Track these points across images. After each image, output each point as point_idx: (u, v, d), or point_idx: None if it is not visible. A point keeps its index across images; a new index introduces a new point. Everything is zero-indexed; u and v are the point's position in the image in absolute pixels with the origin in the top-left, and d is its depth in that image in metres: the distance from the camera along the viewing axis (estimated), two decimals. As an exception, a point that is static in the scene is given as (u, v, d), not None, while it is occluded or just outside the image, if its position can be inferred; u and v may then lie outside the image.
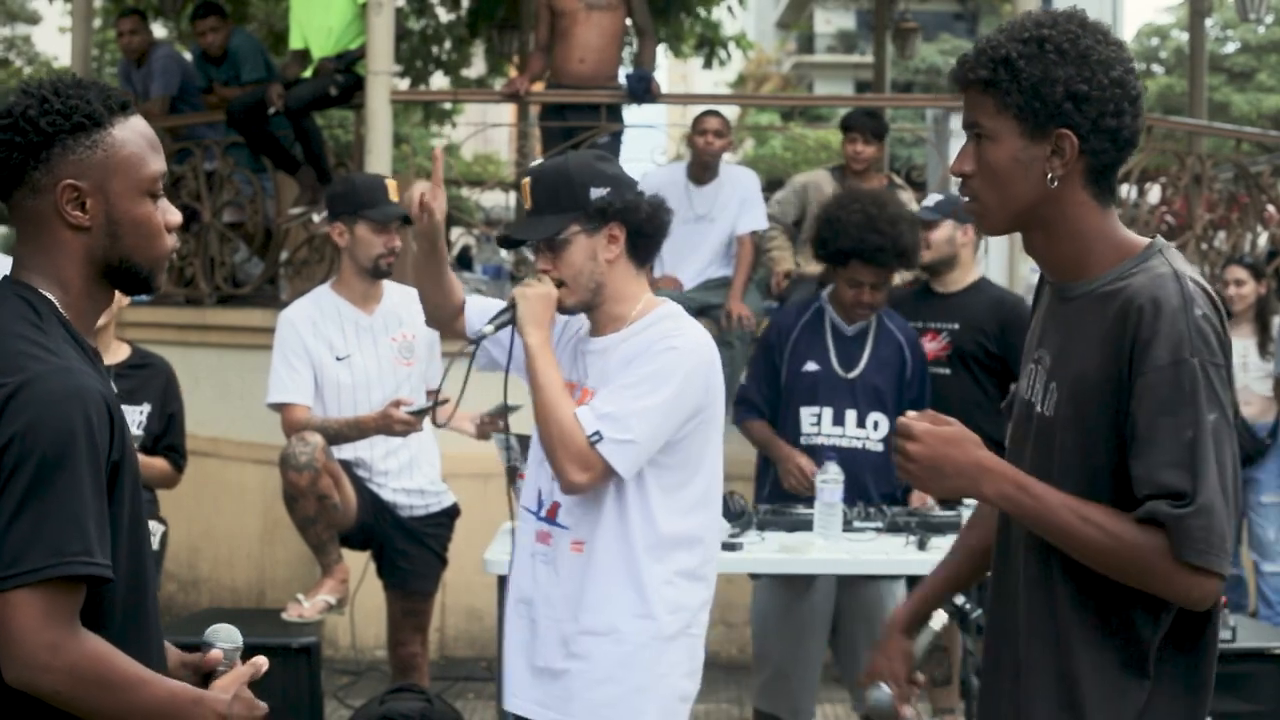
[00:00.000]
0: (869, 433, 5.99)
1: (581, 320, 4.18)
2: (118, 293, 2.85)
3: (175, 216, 2.81)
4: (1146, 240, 2.89)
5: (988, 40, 2.86)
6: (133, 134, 2.73)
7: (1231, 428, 2.72)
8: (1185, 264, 2.83)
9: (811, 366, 6.05)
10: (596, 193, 4.01)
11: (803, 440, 6.03)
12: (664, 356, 3.95)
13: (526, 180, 4.07)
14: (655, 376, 3.93)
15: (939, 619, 3.43)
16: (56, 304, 2.71)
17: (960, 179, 2.93)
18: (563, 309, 4.09)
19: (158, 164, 2.76)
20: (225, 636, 2.96)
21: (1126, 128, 2.81)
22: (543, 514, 4.13)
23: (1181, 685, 2.84)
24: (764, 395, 6.18)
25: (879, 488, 6.01)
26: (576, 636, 4.03)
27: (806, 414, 6.04)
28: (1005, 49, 2.81)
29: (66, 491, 2.53)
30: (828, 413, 6.02)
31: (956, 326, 6.56)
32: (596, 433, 3.90)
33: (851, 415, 6.00)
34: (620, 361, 4.01)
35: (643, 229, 4.10)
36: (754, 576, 6.31)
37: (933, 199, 6.86)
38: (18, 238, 2.76)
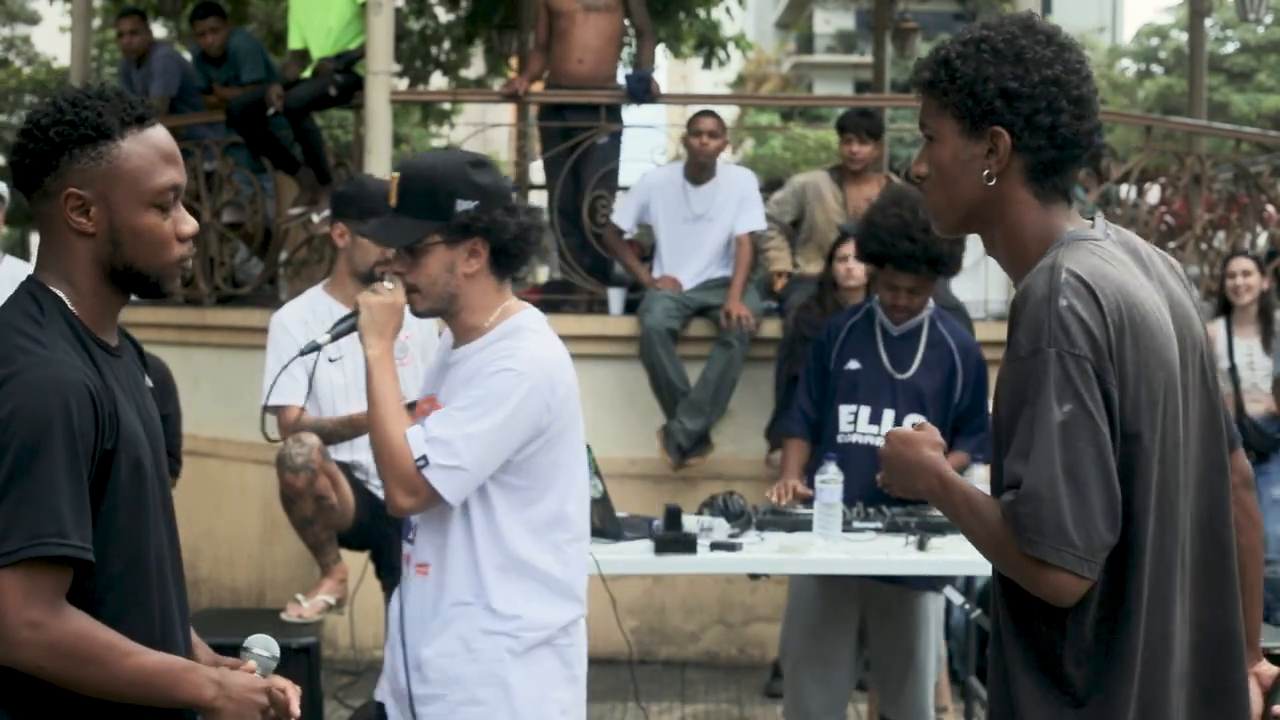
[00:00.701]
0: None
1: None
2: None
3: (188, 226, 2.88)
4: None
5: (939, 44, 2.94)
6: (143, 146, 2.81)
7: (1094, 420, 2.68)
8: (1081, 259, 2.80)
9: (854, 365, 6.00)
10: (463, 205, 3.83)
11: (839, 438, 5.96)
12: (497, 378, 3.81)
13: (396, 175, 3.91)
14: (488, 399, 3.79)
15: None
16: (66, 301, 2.82)
17: (920, 182, 3.00)
18: (414, 312, 3.97)
19: (167, 176, 2.83)
20: (263, 645, 3.02)
21: (1065, 126, 2.83)
22: (409, 535, 4.04)
23: (1102, 700, 2.79)
24: (814, 399, 6.12)
25: None
26: (433, 660, 3.90)
27: (845, 411, 5.98)
28: (947, 50, 2.89)
29: (43, 477, 2.65)
30: (865, 411, 5.95)
31: None
32: (424, 457, 3.77)
33: (890, 415, 5.93)
34: (465, 377, 3.89)
35: (508, 247, 3.91)
36: (753, 576, 6.29)
37: None
38: (39, 238, 2.88)
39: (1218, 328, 9.05)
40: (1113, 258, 2.85)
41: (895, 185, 7.20)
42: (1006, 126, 2.84)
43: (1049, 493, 2.66)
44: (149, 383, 3.05)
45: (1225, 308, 9.11)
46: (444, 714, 3.90)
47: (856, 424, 5.96)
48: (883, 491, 5.84)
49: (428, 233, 3.84)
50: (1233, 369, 8.94)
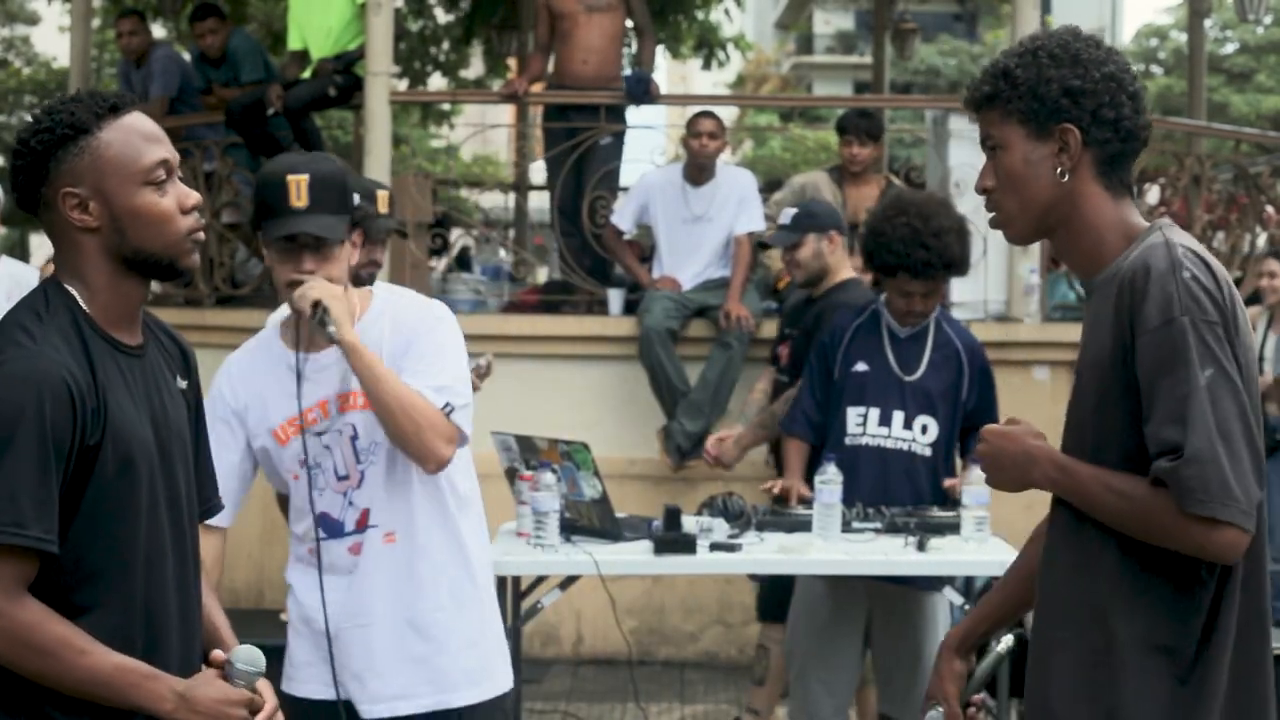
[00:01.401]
0: (915, 435, 5.93)
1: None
2: None
3: (190, 198, 2.90)
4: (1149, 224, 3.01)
5: (990, 62, 3.07)
6: (121, 132, 2.85)
7: (1234, 381, 2.77)
8: (1184, 237, 2.95)
9: (862, 367, 5.99)
10: (356, 200, 4.10)
11: (848, 440, 5.95)
12: (440, 324, 4.10)
13: (303, 177, 3.98)
14: (446, 343, 4.08)
15: (1004, 642, 3.51)
16: (79, 299, 2.86)
17: (985, 195, 3.09)
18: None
19: (153, 154, 2.86)
20: (245, 659, 2.92)
21: (1127, 119, 2.96)
22: (350, 529, 4.14)
23: (1201, 676, 2.84)
24: (817, 400, 6.12)
25: (923, 491, 5.94)
26: (429, 615, 4.10)
27: (853, 414, 5.98)
28: (1003, 63, 3.02)
29: (6, 467, 2.67)
30: (874, 413, 5.94)
31: (794, 333, 6.58)
32: (447, 404, 3.96)
33: (899, 416, 5.93)
34: (392, 350, 4.03)
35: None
36: (752, 578, 6.28)
37: (786, 215, 6.76)
38: (54, 250, 2.93)
39: (1260, 316, 9.13)
40: (1203, 249, 2.96)
41: (894, 192, 7.20)
42: (1074, 122, 2.96)
43: (1210, 453, 2.73)
44: (182, 384, 3.06)
45: (1258, 300, 9.21)
46: (449, 664, 4.10)
47: (866, 426, 5.95)
48: (887, 493, 5.86)
49: (346, 226, 4.03)
50: (1260, 360, 8.98)
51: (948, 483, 5.91)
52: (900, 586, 5.87)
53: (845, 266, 6.75)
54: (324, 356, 4.05)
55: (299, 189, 3.95)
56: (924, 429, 5.92)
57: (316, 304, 3.94)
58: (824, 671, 5.96)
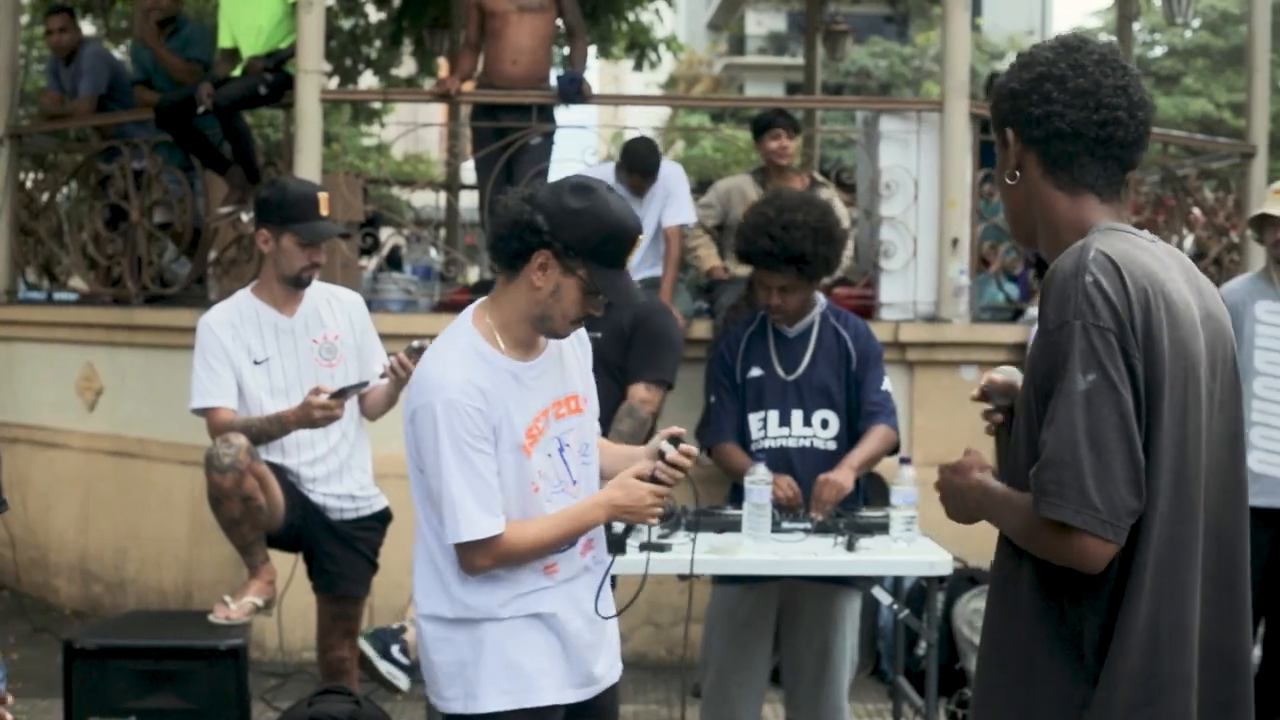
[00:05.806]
0: (816, 431, 5.96)
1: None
2: None
3: None
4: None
5: None
6: None
7: (1117, 390, 2.75)
8: (1116, 242, 2.90)
9: (756, 372, 6.03)
10: None
11: (753, 445, 5.99)
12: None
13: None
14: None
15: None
16: None
17: None
18: None
19: None
20: None
21: (1059, 116, 2.95)
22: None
23: (1108, 679, 2.82)
24: (730, 409, 6.14)
25: None
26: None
27: (754, 420, 6.02)
28: None
29: None
30: (773, 415, 5.98)
31: (599, 335, 6.61)
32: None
33: (798, 415, 5.97)
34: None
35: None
36: (682, 577, 6.28)
37: None
38: None
39: None
40: (1146, 248, 2.94)
41: (779, 187, 7.23)
42: (1010, 124, 3.01)
43: (1071, 457, 2.73)
44: None
45: None
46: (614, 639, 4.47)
47: (767, 429, 5.99)
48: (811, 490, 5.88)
49: None
50: None
51: (821, 477, 5.87)
52: (812, 584, 5.88)
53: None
54: (539, 364, 4.08)
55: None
56: (824, 423, 5.95)
57: None
58: (741, 673, 5.98)
